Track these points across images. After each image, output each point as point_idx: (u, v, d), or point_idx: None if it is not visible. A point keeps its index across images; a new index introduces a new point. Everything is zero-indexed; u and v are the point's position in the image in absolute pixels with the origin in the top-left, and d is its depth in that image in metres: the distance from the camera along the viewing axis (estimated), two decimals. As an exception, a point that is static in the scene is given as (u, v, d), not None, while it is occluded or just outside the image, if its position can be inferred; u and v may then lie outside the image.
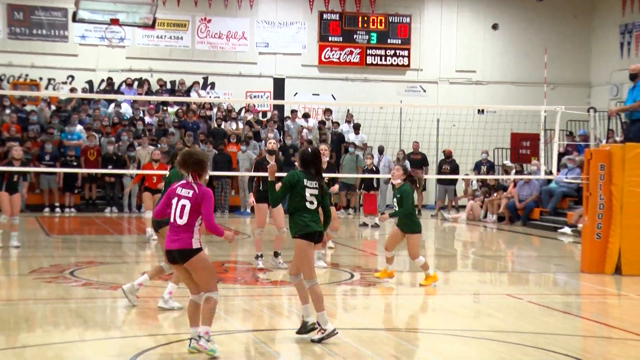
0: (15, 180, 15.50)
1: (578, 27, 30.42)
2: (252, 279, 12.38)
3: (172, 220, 7.64)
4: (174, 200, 7.65)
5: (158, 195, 14.22)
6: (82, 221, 22.22)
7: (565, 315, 10.16)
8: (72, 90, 26.51)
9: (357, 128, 26.84)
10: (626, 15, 28.54)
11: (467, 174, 25.92)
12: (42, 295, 10.78)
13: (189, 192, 7.65)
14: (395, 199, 11.87)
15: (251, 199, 13.54)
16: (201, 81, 28.24)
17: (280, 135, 26.42)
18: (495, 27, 30.15)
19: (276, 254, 13.40)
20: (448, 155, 26.00)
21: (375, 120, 24.30)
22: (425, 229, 22.56)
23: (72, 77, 27.42)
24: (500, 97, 29.50)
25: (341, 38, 29.23)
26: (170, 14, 27.83)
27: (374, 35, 29.36)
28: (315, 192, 8.44)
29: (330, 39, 29.17)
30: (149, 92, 27.19)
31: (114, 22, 22.57)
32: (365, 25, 29.32)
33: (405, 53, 29.59)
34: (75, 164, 23.78)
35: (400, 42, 29.53)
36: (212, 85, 28.63)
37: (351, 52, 29.28)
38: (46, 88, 27.08)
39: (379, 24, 29.37)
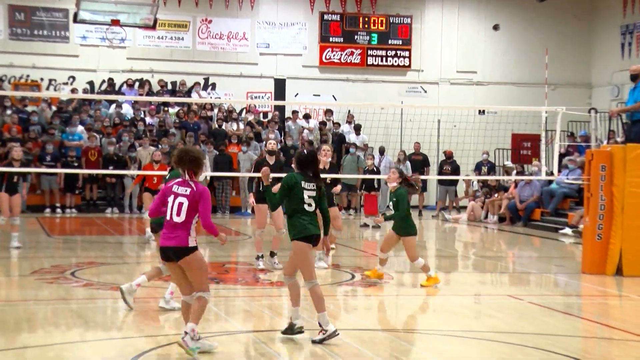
0: (15, 181, 15.49)
1: (579, 27, 30.43)
2: (252, 280, 12.38)
3: (168, 218, 7.62)
4: (170, 198, 7.63)
5: (159, 196, 14.20)
6: (83, 222, 22.23)
7: (566, 316, 10.15)
8: (73, 90, 26.52)
9: (358, 129, 26.84)
10: (627, 16, 28.53)
11: (467, 175, 25.91)
12: (43, 296, 10.78)
13: (186, 190, 7.63)
14: (391, 202, 11.90)
15: (251, 199, 13.55)
16: (202, 82, 28.24)
17: (281, 136, 26.42)
18: (496, 27, 30.13)
19: (272, 254, 13.40)
20: (449, 155, 25.99)
21: (376, 121, 24.30)
22: (426, 230, 22.75)
23: (73, 77, 27.44)
24: (501, 97, 29.50)
25: (342, 39, 29.23)
26: (171, 14, 27.84)
27: (375, 35, 29.36)
28: (313, 194, 8.44)
29: (331, 39, 29.18)
30: (150, 93, 27.20)
31: (115, 22, 22.59)
32: (366, 25, 29.32)
33: (406, 54, 29.59)
34: (76, 164, 23.79)
35: (401, 43, 29.53)
36: (213, 85, 28.64)
37: (352, 53, 29.28)
38: (47, 89, 27.08)
39: (379, 25, 29.37)
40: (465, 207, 25.38)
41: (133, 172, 21.94)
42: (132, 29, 25.67)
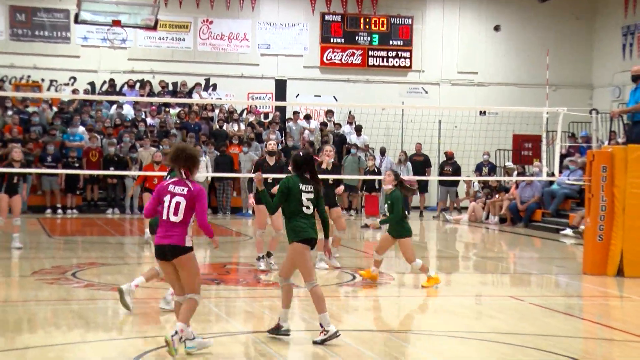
0: (15, 182, 15.49)
1: (580, 28, 30.42)
2: (253, 281, 12.38)
3: (164, 217, 7.59)
4: (167, 198, 7.60)
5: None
6: (84, 222, 22.23)
7: (567, 316, 10.15)
8: (74, 91, 26.52)
9: (358, 129, 26.84)
10: (628, 17, 28.53)
11: (468, 176, 25.91)
12: (44, 297, 10.79)
13: (183, 190, 7.61)
14: (386, 205, 11.90)
15: (251, 200, 13.54)
16: (203, 82, 28.24)
17: (282, 136, 26.42)
18: (497, 28, 30.15)
19: (269, 254, 13.39)
20: (450, 156, 25.98)
21: (377, 121, 24.29)
22: (427, 231, 22.74)
23: (74, 78, 27.45)
24: (502, 98, 29.49)
25: (343, 39, 29.23)
26: (172, 15, 27.85)
27: (376, 36, 29.36)
28: (311, 195, 8.44)
29: (332, 40, 29.18)
30: (151, 94, 27.20)
31: (116, 23, 22.58)
32: (367, 26, 29.32)
33: (407, 54, 29.59)
34: (77, 165, 23.80)
35: (402, 44, 29.53)
36: (214, 86, 28.64)
37: (353, 54, 29.28)
38: (48, 89, 27.09)
39: (380, 25, 29.37)
40: (466, 208, 25.37)
41: (134, 172, 21.94)
42: (133, 30, 25.69)
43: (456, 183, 25.80)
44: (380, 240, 12.31)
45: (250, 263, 14.07)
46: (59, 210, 23.99)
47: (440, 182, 25.99)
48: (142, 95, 26.70)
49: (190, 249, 7.61)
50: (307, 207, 8.39)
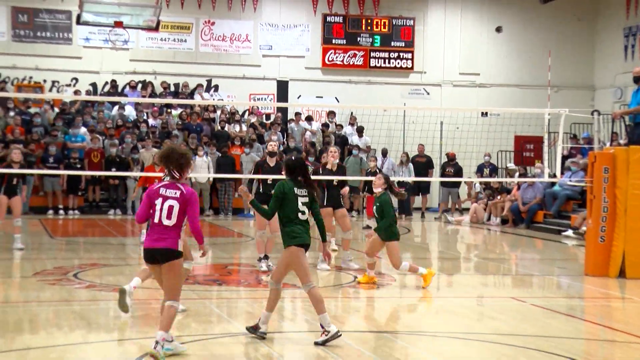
0: (14, 184, 15.49)
1: (582, 29, 30.41)
2: (255, 281, 12.38)
3: (156, 220, 7.50)
4: (158, 201, 7.53)
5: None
6: (86, 223, 22.23)
7: (569, 318, 10.14)
8: (76, 92, 26.53)
9: (360, 131, 26.84)
10: (630, 18, 28.51)
11: (470, 177, 25.90)
12: (46, 298, 10.79)
13: (175, 193, 7.55)
14: (375, 207, 11.91)
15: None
16: (205, 84, 28.24)
17: (283, 137, 26.42)
18: (499, 29, 30.15)
19: (266, 257, 13.36)
20: (451, 157, 25.98)
21: (378, 122, 24.28)
22: (428, 232, 22.74)
23: (76, 79, 27.46)
24: (503, 99, 29.48)
25: (345, 40, 29.23)
26: (174, 16, 27.87)
27: (378, 37, 29.36)
28: (306, 200, 8.45)
29: (333, 41, 29.18)
30: (153, 95, 27.21)
31: (118, 24, 22.58)
32: (369, 27, 29.32)
33: (409, 55, 29.59)
34: (78, 166, 23.82)
35: (403, 45, 29.53)
36: (216, 87, 28.65)
37: (355, 55, 29.28)
38: (50, 90, 27.12)
39: (382, 27, 29.37)
40: (467, 209, 25.35)
41: (135, 174, 21.95)
42: (135, 31, 25.70)
43: (458, 184, 25.79)
44: (369, 242, 12.31)
45: (251, 264, 14.07)
46: (61, 211, 24.00)
47: (442, 183, 25.97)
48: (144, 96, 26.70)
49: (181, 254, 7.54)
50: (302, 213, 8.41)
